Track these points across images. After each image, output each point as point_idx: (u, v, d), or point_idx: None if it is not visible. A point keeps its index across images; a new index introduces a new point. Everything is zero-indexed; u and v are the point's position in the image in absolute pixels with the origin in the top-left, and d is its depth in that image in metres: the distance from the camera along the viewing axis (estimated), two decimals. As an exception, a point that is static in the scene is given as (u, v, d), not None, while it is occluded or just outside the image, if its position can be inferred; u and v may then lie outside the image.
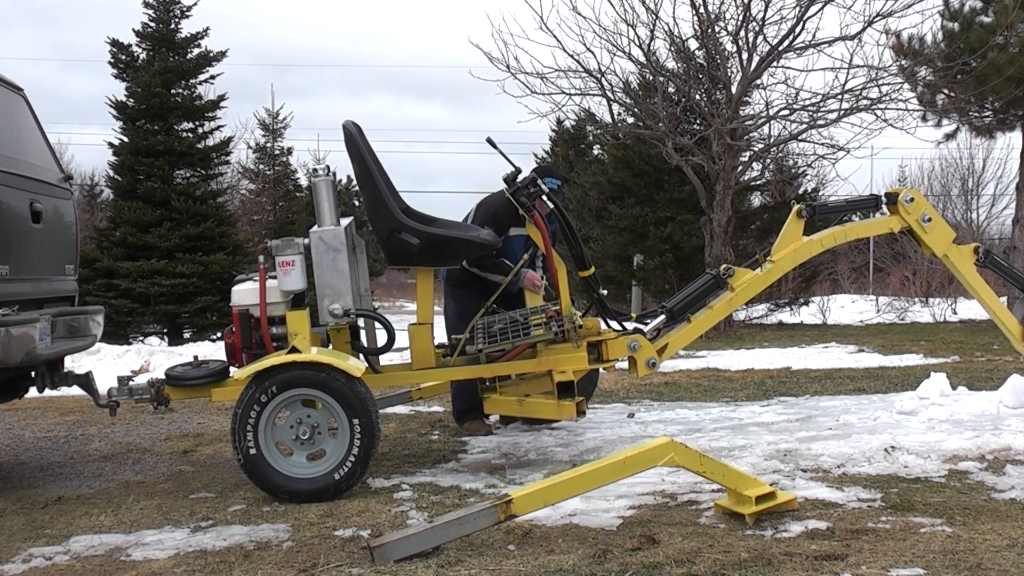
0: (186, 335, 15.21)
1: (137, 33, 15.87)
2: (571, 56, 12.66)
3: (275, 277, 4.41)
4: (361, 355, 4.65)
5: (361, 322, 4.80)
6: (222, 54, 16.15)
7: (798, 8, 12.16)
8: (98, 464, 5.26)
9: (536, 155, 31.34)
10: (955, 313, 16.58)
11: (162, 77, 15.40)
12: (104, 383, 4.77)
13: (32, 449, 5.81)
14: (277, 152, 22.41)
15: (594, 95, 13.20)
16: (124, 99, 15.57)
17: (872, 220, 5.12)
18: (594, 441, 5.17)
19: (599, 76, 12.75)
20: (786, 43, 12.41)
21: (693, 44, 13.39)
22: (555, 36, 13.15)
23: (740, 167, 13.91)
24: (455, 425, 5.73)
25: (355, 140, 4.63)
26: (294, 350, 4.22)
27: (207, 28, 16.05)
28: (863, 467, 4.28)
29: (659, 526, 3.48)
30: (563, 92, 12.81)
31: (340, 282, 4.40)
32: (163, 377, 4.53)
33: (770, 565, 2.97)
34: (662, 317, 4.73)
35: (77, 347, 5.04)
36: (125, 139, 15.54)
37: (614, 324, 4.77)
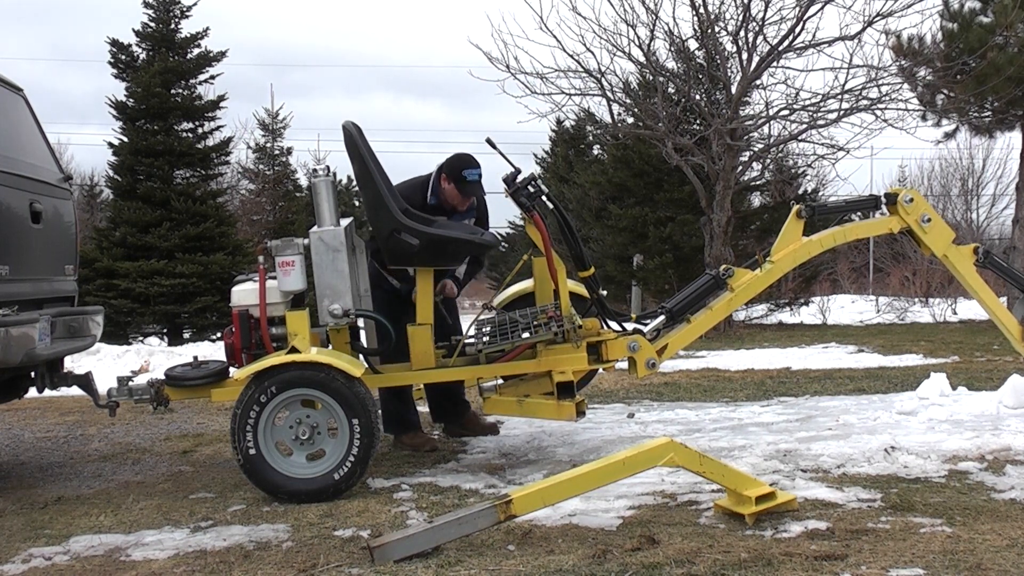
0: (186, 335, 15.21)
1: (137, 33, 15.88)
2: (571, 56, 12.68)
3: (275, 277, 4.41)
4: (361, 355, 4.65)
5: (361, 322, 4.80)
6: (222, 54, 16.17)
7: (798, 8, 12.18)
8: (98, 464, 5.26)
9: (536, 155, 31.41)
10: (955, 313, 16.58)
11: (162, 77, 15.40)
12: (104, 383, 4.77)
13: (32, 449, 5.81)
14: (277, 152, 22.41)
15: (594, 95, 13.22)
16: (124, 99, 15.58)
17: (872, 220, 5.12)
18: (594, 441, 5.17)
19: (599, 76, 12.76)
20: (786, 43, 12.42)
21: (693, 44, 13.41)
22: (555, 36, 13.16)
23: (740, 167, 13.92)
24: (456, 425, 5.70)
25: (355, 140, 4.63)
26: (294, 350, 4.22)
27: (207, 28, 16.10)
28: (863, 467, 4.28)
29: (659, 526, 3.47)
30: (563, 92, 12.83)
31: (340, 282, 4.40)
32: (163, 377, 4.53)
33: (770, 565, 2.97)
34: (662, 318, 4.72)
35: (77, 347, 5.04)
36: (125, 139, 15.55)
37: (613, 324, 4.77)
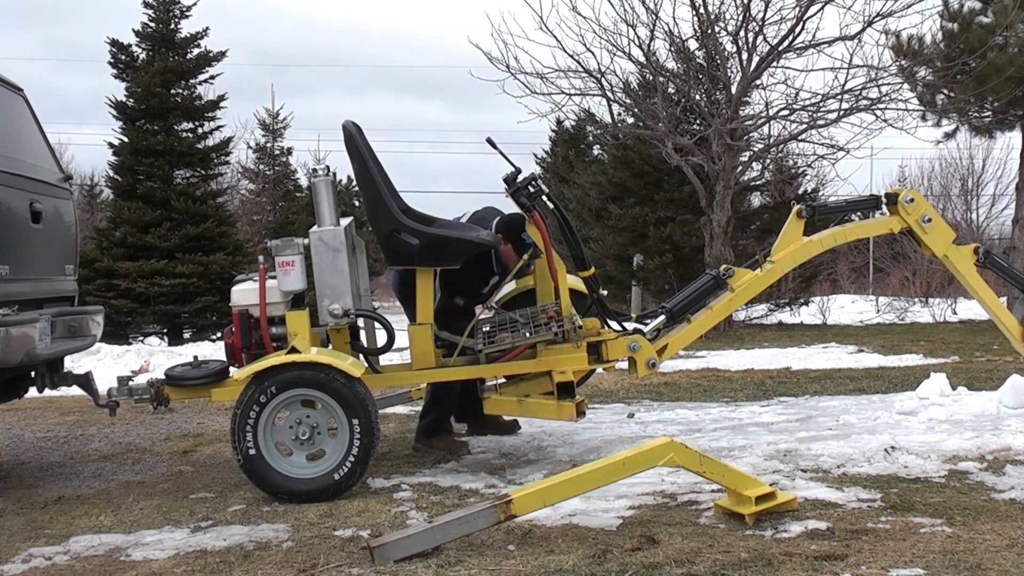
0: (186, 335, 15.21)
1: (137, 33, 15.88)
2: (571, 56, 12.67)
3: (275, 277, 4.41)
4: (361, 355, 4.65)
5: (361, 322, 4.80)
6: (222, 54, 16.17)
7: (798, 8, 12.17)
8: (98, 464, 5.26)
9: (536, 155, 31.41)
10: (955, 313, 16.58)
11: (162, 77, 15.40)
12: (104, 383, 4.77)
13: (32, 449, 5.81)
14: (277, 152, 22.43)
15: (594, 95, 13.21)
16: (124, 99, 15.58)
17: (872, 220, 5.12)
18: (594, 441, 5.17)
19: (599, 76, 12.75)
20: (786, 43, 12.42)
21: (693, 44, 13.41)
22: (555, 36, 13.17)
23: (740, 167, 13.91)
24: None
25: (355, 140, 4.63)
26: (294, 350, 4.22)
27: (207, 28, 16.10)
28: (863, 467, 4.28)
29: (659, 526, 3.48)
30: (563, 92, 12.82)
31: (340, 282, 4.40)
32: (163, 377, 4.53)
33: (770, 565, 2.97)
34: (662, 318, 4.72)
35: (77, 347, 5.04)
36: (125, 139, 15.55)
37: (614, 324, 4.77)
